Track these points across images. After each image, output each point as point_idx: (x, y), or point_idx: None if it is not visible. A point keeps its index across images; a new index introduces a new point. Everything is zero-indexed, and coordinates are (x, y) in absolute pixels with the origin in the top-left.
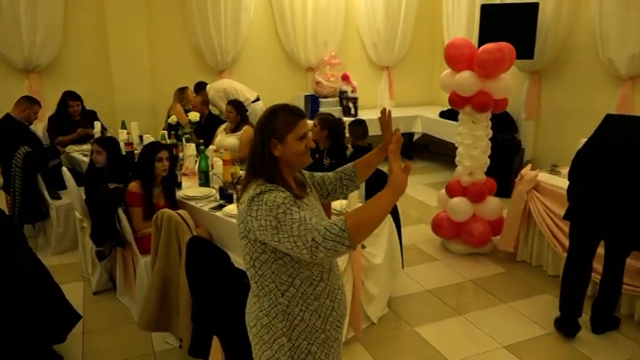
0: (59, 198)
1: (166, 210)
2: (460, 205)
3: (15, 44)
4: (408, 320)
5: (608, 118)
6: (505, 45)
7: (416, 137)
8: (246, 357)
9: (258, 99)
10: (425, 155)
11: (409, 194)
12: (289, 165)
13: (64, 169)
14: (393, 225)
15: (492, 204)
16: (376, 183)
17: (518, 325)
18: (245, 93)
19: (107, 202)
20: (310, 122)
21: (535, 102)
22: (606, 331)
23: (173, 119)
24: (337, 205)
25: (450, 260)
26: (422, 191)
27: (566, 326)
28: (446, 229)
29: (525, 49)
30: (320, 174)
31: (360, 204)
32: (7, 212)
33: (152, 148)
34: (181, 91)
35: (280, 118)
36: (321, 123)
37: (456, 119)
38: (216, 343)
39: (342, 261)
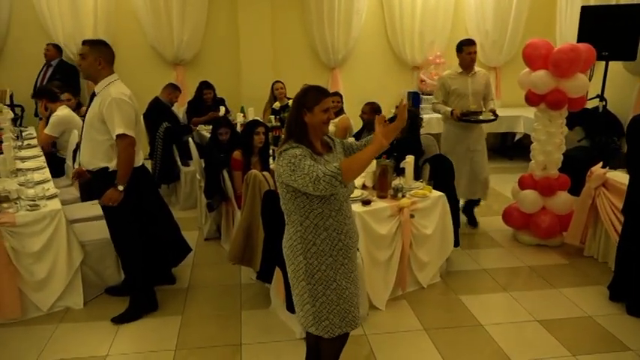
0: (188, 165)
1: (254, 170)
2: (529, 197)
3: (167, 42)
4: (456, 290)
5: (632, 119)
6: (582, 45)
7: (517, 137)
8: None
9: None
10: (526, 155)
11: (498, 190)
12: (314, 130)
13: (191, 141)
14: (447, 205)
15: (562, 198)
16: (439, 164)
17: (559, 306)
18: None
19: (216, 166)
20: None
21: None
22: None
23: (277, 105)
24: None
25: (515, 248)
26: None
27: (612, 288)
28: (515, 218)
29: (627, 50)
30: (349, 140)
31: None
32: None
33: (252, 124)
34: (273, 85)
35: (311, 94)
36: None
37: None
38: (278, 272)
39: (391, 225)
